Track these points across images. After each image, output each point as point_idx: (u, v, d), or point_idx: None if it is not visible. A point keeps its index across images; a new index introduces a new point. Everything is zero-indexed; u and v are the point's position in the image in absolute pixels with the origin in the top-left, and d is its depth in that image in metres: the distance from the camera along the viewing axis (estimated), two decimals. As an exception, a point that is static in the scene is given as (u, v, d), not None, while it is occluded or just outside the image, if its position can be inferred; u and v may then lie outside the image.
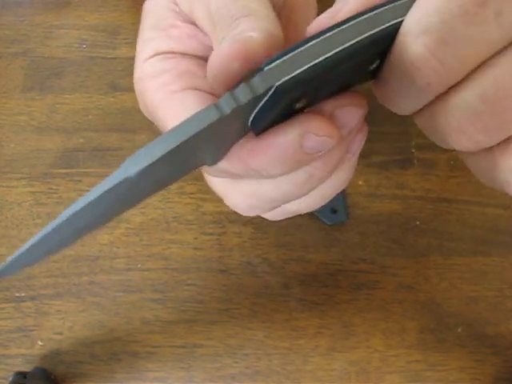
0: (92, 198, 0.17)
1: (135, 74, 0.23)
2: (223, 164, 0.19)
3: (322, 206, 0.42)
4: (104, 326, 0.40)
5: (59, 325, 0.40)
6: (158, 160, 0.15)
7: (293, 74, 0.15)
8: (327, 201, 0.22)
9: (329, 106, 0.18)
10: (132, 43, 0.48)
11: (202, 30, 0.22)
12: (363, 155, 0.44)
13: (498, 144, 0.16)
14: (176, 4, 0.22)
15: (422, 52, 0.15)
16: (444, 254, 0.42)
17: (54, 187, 0.44)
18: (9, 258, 0.19)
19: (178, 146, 0.15)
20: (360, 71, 0.17)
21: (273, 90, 0.15)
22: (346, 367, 0.39)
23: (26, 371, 0.37)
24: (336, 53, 0.15)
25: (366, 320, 0.40)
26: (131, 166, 0.15)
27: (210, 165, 0.19)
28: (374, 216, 0.43)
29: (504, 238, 0.42)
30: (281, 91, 0.15)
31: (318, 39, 0.15)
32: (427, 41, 0.14)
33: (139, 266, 0.41)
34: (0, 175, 0.44)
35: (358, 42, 0.15)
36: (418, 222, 0.43)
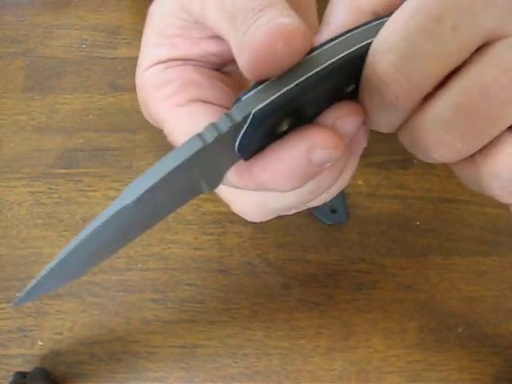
0: (94, 227, 0.18)
1: (137, 79, 0.23)
2: (233, 180, 0.19)
3: (321, 206, 0.42)
4: (104, 326, 0.40)
5: (59, 325, 0.40)
6: (151, 189, 0.17)
7: (268, 101, 0.16)
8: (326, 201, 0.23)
9: (329, 118, 0.19)
10: (132, 43, 0.48)
11: (209, 35, 0.22)
12: (363, 155, 0.44)
13: (479, 151, 0.16)
14: (183, 10, 0.22)
15: (388, 68, 0.16)
16: (444, 253, 0.42)
17: (54, 187, 0.44)
18: (21, 291, 0.20)
19: (167, 175, 0.16)
20: (337, 93, 0.18)
21: (251, 116, 0.16)
22: (346, 367, 0.39)
23: (25, 371, 0.37)
24: (308, 77, 0.16)
25: (366, 320, 0.40)
26: (128, 196, 0.17)
27: (208, 191, 0.19)
28: (374, 216, 0.43)
29: (504, 238, 0.42)
30: (258, 117, 0.16)
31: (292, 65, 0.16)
32: (391, 58, 0.15)
33: (139, 265, 0.41)
34: (0, 175, 0.44)
35: (329, 65, 0.16)
36: (417, 222, 0.43)
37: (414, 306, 0.40)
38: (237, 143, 0.18)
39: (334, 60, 0.16)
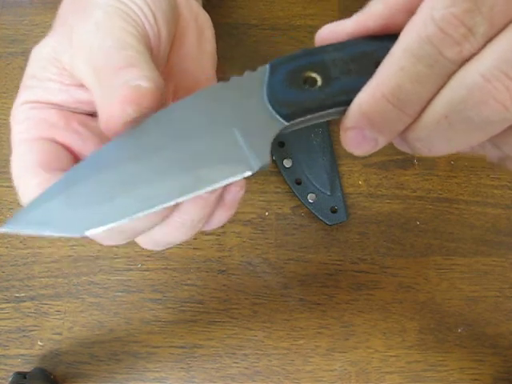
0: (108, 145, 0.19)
1: (11, 116, 0.25)
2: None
3: (322, 206, 0.42)
4: (104, 326, 0.40)
5: (59, 325, 0.40)
6: (171, 109, 0.20)
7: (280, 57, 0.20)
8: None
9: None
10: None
11: (78, 83, 0.23)
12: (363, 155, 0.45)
13: None
14: (56, 58, 0.23)
15: (451, 19, 0.16)
16: (444, 254, 0.42)
17: (54, 187, 0.44)
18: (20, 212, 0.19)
19: (189, 99, 0.20)
20: (364, 62, 0.19)
21: (268, 66, 0.20)
22: (346, 367, 0.39)
23: (25, 371, 0.37)
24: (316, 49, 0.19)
25: (366, 320, 0.40)
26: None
27: (258, 166, 0.19)
28: (374, 216, 0.43)
29: (504, 238, 0.42)
30: (275, 64, 0.20)
31: None
32: (455, 11, 0.15)
33: (139, 265, 0.41)
34: None
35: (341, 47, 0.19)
36: (417, 222, 0.43)
37: (414, 307, 0.40)
38: (265, 93, 0.19)
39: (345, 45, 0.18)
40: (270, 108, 0.19)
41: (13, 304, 0.40)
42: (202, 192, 0.19)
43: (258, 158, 0.19)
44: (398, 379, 0.39)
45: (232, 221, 0.42)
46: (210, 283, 0.41)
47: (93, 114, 0.25)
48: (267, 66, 0.19)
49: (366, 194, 0.43)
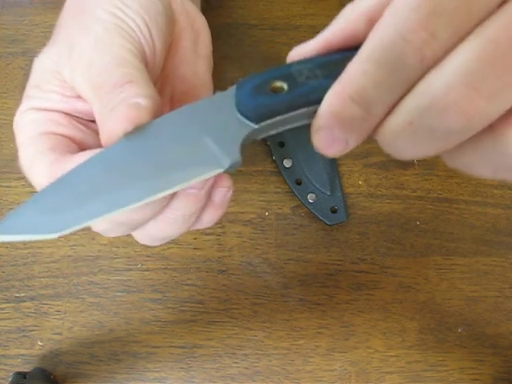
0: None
1: (14, 122, 0.26)
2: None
3: (322, 206, 0.42)
4: (103, 326, 0.40)
5: (59, 325, 0.40)
6: (143, 127, 0.21)
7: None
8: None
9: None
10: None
11: (78, 95, 0.24)
12: (363, 155, 0.45)
13: (501, 118, 0.16)
14: (57, 70, 0.24)
15: (413, 21, 0.15)
16: (444, 254, 0.42)
17: (54, 187, 0.44)
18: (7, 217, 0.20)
19: (163, 117, 0.21)
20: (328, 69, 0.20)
21: (238, 82, 0.21)
22: (346, 367, 0.39)
23: (25, 371, 0.37)
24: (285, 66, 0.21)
25: (366, 320, 0.40)
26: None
27: (229, 165, 0.20)
28: (374, 216, 0.43)
29: (504, 238, 0.42)
30: (243, 81, 0.21)
31: None
32: (416, 16, 0.15)
33: (139, 265, 0.41)
34: None
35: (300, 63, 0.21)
36: (417, 222, 0.43)
37: (414, 306, 0.40)
38: (233, 103, 0.20)
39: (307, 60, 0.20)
40: (239, 115, 0.20)
41: (13, 304, 0.40)
42: (171, 191, 0.20)
43: (228, 156, 0.20)
44: (398, 379, 0.39)
45: (232, 221, 0.42)
46: (210, 283, 0.41)
47: (92, 121, 0.26)
48: (235, 85, 0.20)
49: (366, 193, 0.43)
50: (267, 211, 0.43)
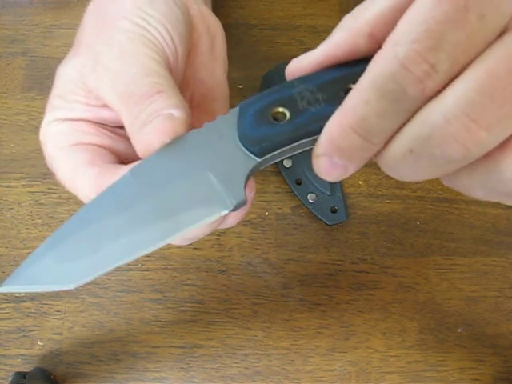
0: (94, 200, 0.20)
1: (40, 133, 0.26)
2: None
3: (322, 206, 0.42)
4: (103, 326, 0.40)
5: (59, 325, 0.40)
6: (148, 161, 0.20)
7: (250, 97, 0.20)
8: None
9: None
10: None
11: (103, 104, 0.24)
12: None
13: (499, 146, 0.16)
14: (82, 81, 0.25)
15: (414, 59, 0.16)
16: (444, 254, 0.42)
17: (54, 187, 0.44)
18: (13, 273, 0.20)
19: (165, 149, 0.21)
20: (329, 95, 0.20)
21: (238, 107, 0.20)
22: (346, 367, 0.39)
23: (25, 371, 0.37)
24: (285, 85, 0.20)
25: (366, 320, 0.40)
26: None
27: (233, 205, 0.21)
28: (374, 216, 0.43)
29: (504, 238, 0.42)
30: (244, 107, 0.21)
31: None
32: (417, 47, 0.15)
33: (139, 265, 0.41)
34: None
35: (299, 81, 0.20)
36: (417, 222, 0.43)
37: (414, 306, 0.40)
38: (235, 133, 0.20)
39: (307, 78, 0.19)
40: (242, 147, 0.20)
41: (13, 304, 0.40)
42: (181, 234, 0.20)
43: (233, 196, 0.20)
44: (398, 379, 0.39)
45: (232, 221, 0.42)
46: (210, 283, 0.41)
47: (119, 127, 0.26)
48: (237, 109, 0.20)
49: (365, 193, 0.43)
50: (267, 211, 0.43)
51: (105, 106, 0.25)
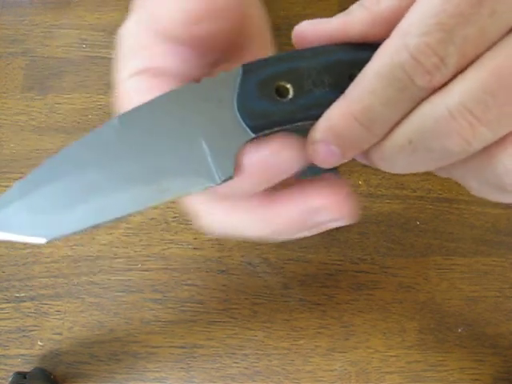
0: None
1: (119, 89, 0.24)
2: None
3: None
4: (104, 326, 0.40)
5: (59, 325, 0.40)
6: (137, 110, 0.19)
7: (257, 60, 0.19)
8: None
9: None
10: (132, 43, 0.48)
11: (175, 42, 0.23)
12: (363, 155, 0.45)
13: (497, 142, 0.16)
14: (147, 28, 0.23)
15: (425, 51, 0.16)
16: (444, 254, 0.42)
17: (54, 187, 0.44)
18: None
19: (154, 101, 0.19)
20: (336, 78, 0.19)
21: (241, 69, 0.19)
22: (346, 367, 0.39)
23: (25, 371, 0.37)
24: (296, 53, 0.19)
25: (366, 320, 0.40)
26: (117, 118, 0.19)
27: (220, 179, 0.19)
28: (374, 216, 0.43)
29: (504, 238, 0.42)
30: (247, 69, 0.19)
31: None
32: (428, 40, 0.16)
33: (139, 266, 0.41)
34: None
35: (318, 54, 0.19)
36: (417, 222, 0.43)
37: (414, 306, 0.40)
38: (235, 101, 0.19)
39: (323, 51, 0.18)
40: (239, 118, 0.19)
41: (13, 304, 0.40)
42: (161, 203, 0.19)
43: (222, 171, 0.19)
44: (398, 379, 0.39)
45: (232, 221, 0.42)
46: (210, 283, 0.41)
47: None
48: (240, 70, 0.19)
49: (366, 193, 0.43)
50: (267, 211, 0.43)
51: (179, 43, 0.23)
